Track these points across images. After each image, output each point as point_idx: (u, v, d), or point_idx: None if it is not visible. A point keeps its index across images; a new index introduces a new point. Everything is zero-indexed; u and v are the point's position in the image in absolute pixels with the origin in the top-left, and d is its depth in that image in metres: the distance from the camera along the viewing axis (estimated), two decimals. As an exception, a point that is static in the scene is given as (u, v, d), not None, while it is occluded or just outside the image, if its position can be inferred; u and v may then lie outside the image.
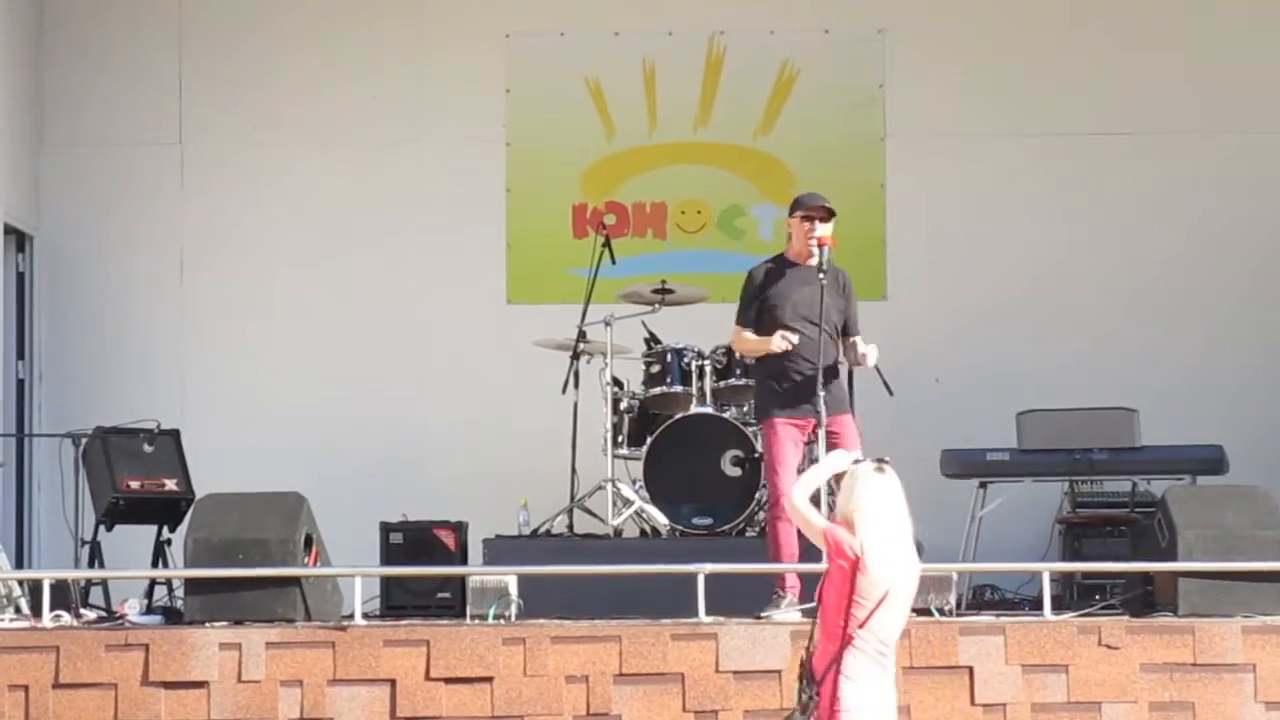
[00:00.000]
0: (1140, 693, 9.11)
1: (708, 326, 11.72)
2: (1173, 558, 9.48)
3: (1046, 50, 13.19)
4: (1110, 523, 11.68)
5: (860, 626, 7.18)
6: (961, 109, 13.19)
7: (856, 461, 7.46)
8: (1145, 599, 9.81)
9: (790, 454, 9.84)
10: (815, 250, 9.95)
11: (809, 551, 9.75)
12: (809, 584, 9.66)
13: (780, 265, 10.13)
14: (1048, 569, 9.97)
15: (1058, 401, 11.93)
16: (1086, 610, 9.73)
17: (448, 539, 10.83)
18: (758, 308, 10.05)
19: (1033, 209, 13.15)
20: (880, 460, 7.41)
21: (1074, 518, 11.82)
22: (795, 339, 9.87)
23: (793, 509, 7.54)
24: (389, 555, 10.82)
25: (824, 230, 9.95)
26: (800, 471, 9.83)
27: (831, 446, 9.86)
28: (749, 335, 10.08)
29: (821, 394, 9.70)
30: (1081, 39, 13.18)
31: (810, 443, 9.90)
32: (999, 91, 13.20)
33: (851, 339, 10.07)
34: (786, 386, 9.90)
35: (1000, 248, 13.09)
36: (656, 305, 11.85)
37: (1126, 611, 9.70)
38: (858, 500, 7.30)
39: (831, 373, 9.92)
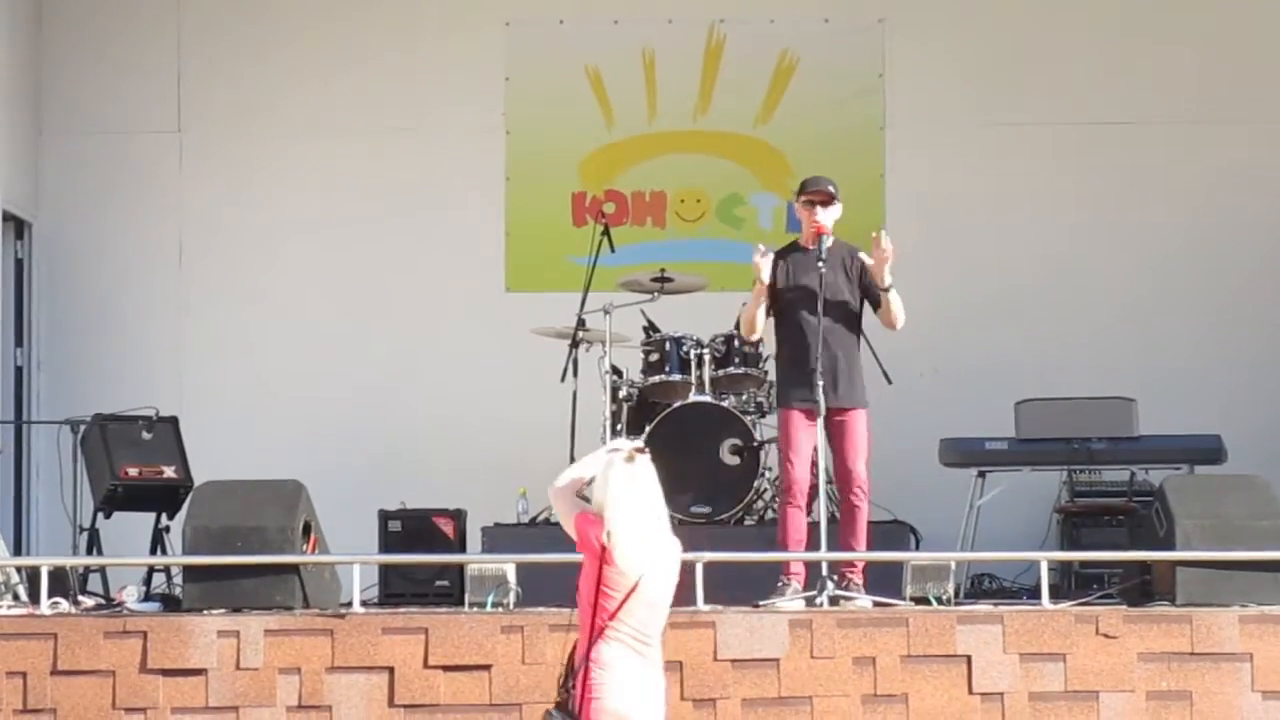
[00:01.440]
0: (1138, 682, 9.10)
1: (707, 315, 11.72)
2: (1170, 547, 9.47)
3: (1046, 40, 13.17)
4: (1108, 512, 11.66)
5: (611, 618, 7.04)
6: (961, 98, 13.17)
7: (612, 451, 7.24)
8: (1143, 588, 9.80)
9: (802, 441, 9.81)
10: (816, 239, 9.96)
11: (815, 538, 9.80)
12: (812, 572, 9.69)
13: (790, 250, 10.13)
14: (1046, 558, 9.96)
15: (1056, 391, 11.94)
16: (1084, 599, 9.73)
17: (446, 527, 10.82)
18: (769, 292, 10.00)
19: (1032, 199, 13.14)
20: (636, 449, 7.23)
21: (1072, 507, 11.81)
22: (764, 263, 9.86)
23: (551, 496, 7.41)
24: (387, 543, 10.82)
25: (824, 215, 9.95)
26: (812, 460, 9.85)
27: (835, 438, 9.87)
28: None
29: (820, 383, 9.71)
30: (1081, 28, 13.15)
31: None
32: (998, 81, 13.18)
33: (883, 303, 9.93)
34: (797, 375, 9.87)
35: (999, 237, 13.08)
36: (655, 294, 11.84)
37: (1124, 601, 9.69)
38: (606, 491, 7.15)
39: (846, 361, 9.88)
